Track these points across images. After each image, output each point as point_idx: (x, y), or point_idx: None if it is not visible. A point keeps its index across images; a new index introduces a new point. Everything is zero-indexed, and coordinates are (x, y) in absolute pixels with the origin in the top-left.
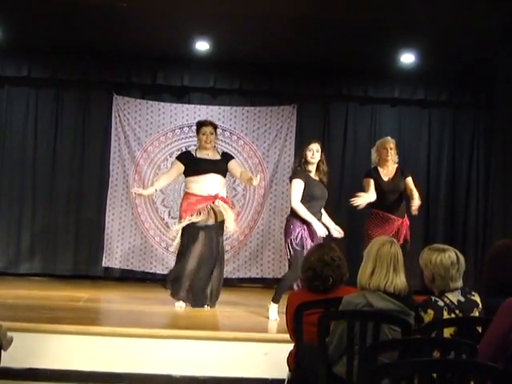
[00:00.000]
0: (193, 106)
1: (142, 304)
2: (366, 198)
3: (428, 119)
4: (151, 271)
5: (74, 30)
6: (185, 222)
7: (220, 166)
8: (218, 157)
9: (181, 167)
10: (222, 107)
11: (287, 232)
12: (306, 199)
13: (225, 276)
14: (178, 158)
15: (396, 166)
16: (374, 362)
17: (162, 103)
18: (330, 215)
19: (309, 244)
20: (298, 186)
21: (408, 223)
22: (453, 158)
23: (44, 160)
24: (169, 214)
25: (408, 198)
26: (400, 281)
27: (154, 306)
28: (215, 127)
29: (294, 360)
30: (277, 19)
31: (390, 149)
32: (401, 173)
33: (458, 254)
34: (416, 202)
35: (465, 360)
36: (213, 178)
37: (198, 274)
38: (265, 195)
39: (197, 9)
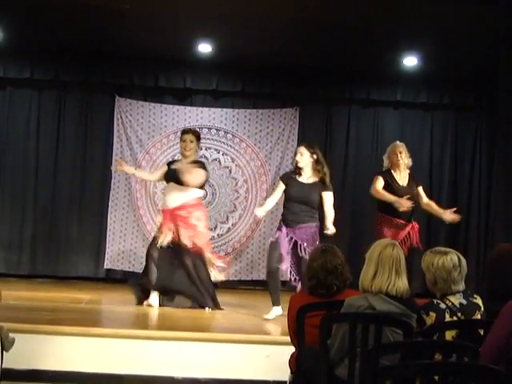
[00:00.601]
0: (195, 108)
1: (144, 306)
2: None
3: (430, 122)
4: None
5: (77, 32)
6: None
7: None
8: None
9: (163, 171)
10: (225, 109)
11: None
12: (286, 199)
13: (226, 278)
14: (167, 163)
15: (408, 171)
16: (375, 365)
17: (165, 105)
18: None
19: (282, 244)
20: (276, 187)
21: (417, 226)
22: (455, 161)
23: (46, 162)
24: None
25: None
26: (402, 283)
27: (156, 308)
28: (196, 135)
29: (295, 362)
30: (279, 22)
31: (400, 153)
32: (413, 180)
33: (460, 256)
34: (448, 213)
35: (467, 363)
36: (173, 187)
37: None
38: (267, 198)
39: (199, 11)
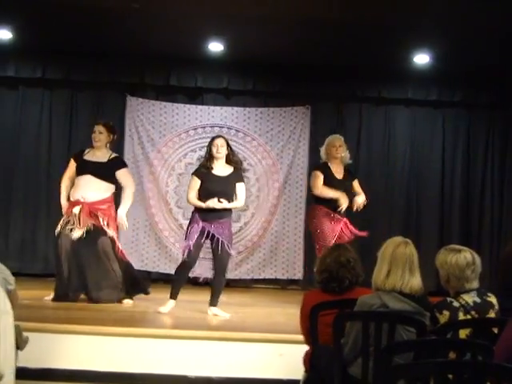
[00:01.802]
0: (206, 107)
1: (157, 305)
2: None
3: (442, 120)
4: (166, 272)
5: (88, 32)
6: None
7: (102, 168)
8: (104, 159)
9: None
10: (236, 108)
11: None
12: (204, 194)
13: (239, 277)
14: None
15: (345, 165)
16: (389, 363)
17: (176, 104)
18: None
19: (194, 236)
20: (191, 182)
21: (347, 222)
22: (467, 159)
23: (58, 161)
24: (183, 215)
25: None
26: (416, 281)
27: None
28: (107, 127)
29: (309, 361)
30: (290, 20)
31: (339, 146)
32: (350, 174)
33: (474, 254)
34: (361, 198)
35: (481, 361)
36: (88, 180)
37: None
38: (279, 196)
39: (210, 10)
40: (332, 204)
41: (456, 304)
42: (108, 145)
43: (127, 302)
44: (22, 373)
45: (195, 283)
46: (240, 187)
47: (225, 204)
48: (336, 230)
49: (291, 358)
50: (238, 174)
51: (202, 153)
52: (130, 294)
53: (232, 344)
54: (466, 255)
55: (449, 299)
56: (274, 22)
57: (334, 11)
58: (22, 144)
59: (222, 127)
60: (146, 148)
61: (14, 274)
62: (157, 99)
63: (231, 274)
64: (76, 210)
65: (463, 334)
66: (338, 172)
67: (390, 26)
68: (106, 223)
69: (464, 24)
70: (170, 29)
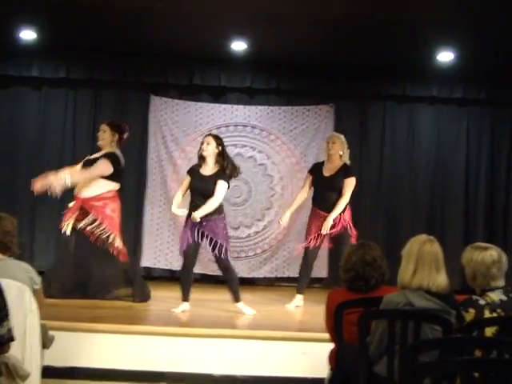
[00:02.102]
0: (230, 105)
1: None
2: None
3: (466, 118)
4: None
5: (112, 31)
6: None
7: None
8: (98, 154)
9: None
10: (259, 107)
11: None
12: (190, 191)
13: (263, 275)
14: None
15: (342, 163)
16: (414, 362)
17: (199, 103)
18: (367, 216)
19: (184, 244)
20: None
21: (344, 218)
22: (492, 157)
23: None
24: None
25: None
26: (442, 279)
27: (193, 306)
28: (110, 126)
29: (334, 359)
30: (313, 19)
31: (333, 143)
32: (344, 172)
33: (501, 252)
34: (327, 222)
35: (507, 359)
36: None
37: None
38: None
39: (234, 9)
40: (319, 202)
41: (482, 302)
42: (114, 144)
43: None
44: (47, 371)
45: (218, 281)
46: (219, 185)
47: (198, 214)
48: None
49: (315, 356)
50: (221, 174)
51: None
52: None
53: (256, 342)
54: (492, 253)
55: (474, 297)
56: (297, 21)
57: (358, 9)
58: (46, 144)
59: (246, 126)
60: (169, 147)
61: (39, 273)
62: (180, 98)
63: (256, 272)
64: (70, 204)
65: (489, 332)
66: (329, 169)
67: (414, 23)
68: (97, 223)
69: (488, 21)
70: (193, 28)
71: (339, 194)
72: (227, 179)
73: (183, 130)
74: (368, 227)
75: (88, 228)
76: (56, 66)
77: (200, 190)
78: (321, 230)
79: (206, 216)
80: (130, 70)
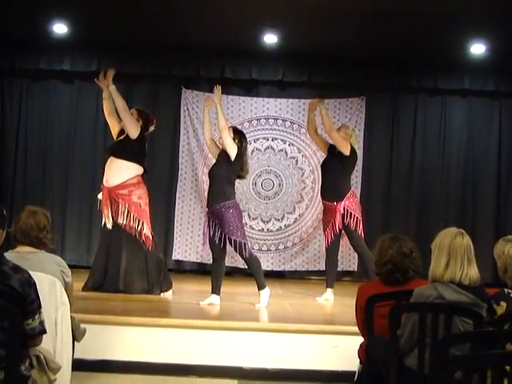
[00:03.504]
0: (261, 99)
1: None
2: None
3: (499, 110)
4: None
5: (143, 25)
6: None
7: (119, 146)
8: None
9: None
10: (291, 100)
11: None
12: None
13: (294, 269)
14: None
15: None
16: (445, 355)
17: (231, 96)
18: (399, 209)
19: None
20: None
21: (340, 208)
22: None
23: None
24: None
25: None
26: (474, 272)
27: (224, 299)
28: (138, 111)
29: (365, 352)
30: (345, 12)
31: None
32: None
33: None
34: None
35: None
36: (110, 162)
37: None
38: None
39: (265, 2)
40: (321, 190)
41: None
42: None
43: (167, 294)
44: (78, 364)
45: (248, 275)
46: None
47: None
48: (328, 221)
49: (346, 349)
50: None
51: (257, 145)
52: (161, 288)
53: (287, 335)
54: None
55: (506, 290)
56: (328, 14)
57: (390, 1)
58: (77, 138)
59: (277, 119)
60: (200, 140)
61: (70, 266)
62: (211, 92)
63: (287, 265)
64: (99, 196)
65: None
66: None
67: (446, 15)
68: (126, 211)
69: None
70: (224, 21)
71: (331, 178)
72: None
73: (214, 123)
74: (399, 220)
75: (121, 219)
76: (88, 60)
77: (212, 175)
78: (330, 221)
79: (212, 204)
80: (161, 64)
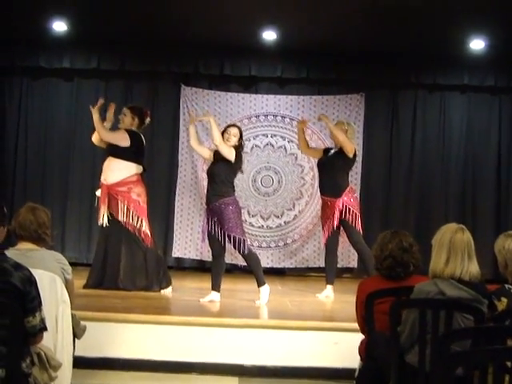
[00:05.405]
0: (260, 95)
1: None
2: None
3: (498, 106)
4: None
5: (142, 22)
6: None
7: (117, 147)
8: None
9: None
10: (290, 96)
11: None
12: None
13: (294, 266)
14: None
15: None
16: (446, 351)
17: (230, 93)
18: (398, 205)
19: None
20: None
21: (339, 204)
22: None
23: None
24: None
25: (343, 179)
26: (474, 268)
27: (224, 296)
28: (131, 109)
29: (365, 349)
30: (343, 7)
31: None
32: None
33: None
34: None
35: None
36: (108, 161)
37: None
38: None
39: None
40: (320, 186)
41: None
42: (134, 127)
43: (166, 291)
44: (79, 361)
45: (248, 272)
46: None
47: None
48: (327, 216)
49: (346, 346)
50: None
51: (256, 142)
52: (160, 285)
53: (287, 332)
54: None
55: (507, 286)
56: (327, 10)
57: None
58: (77, 135)
59: (276, 116)
60: (200, 137)
61: (70, 263)
62: (211, 89)
63: (286, 262)
64: (98, 192)
65: None
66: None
67: (446, 11)
68: (125, 208)
69: None
70: (223, 18)
71: (330, 175)
72: (236, 154)
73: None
74: (399, 216)
75: (121, 216)
76: (87, 57)
77: (211, 174)
78: (329, 217)
79: (212, 202)
80: (160, 61)
